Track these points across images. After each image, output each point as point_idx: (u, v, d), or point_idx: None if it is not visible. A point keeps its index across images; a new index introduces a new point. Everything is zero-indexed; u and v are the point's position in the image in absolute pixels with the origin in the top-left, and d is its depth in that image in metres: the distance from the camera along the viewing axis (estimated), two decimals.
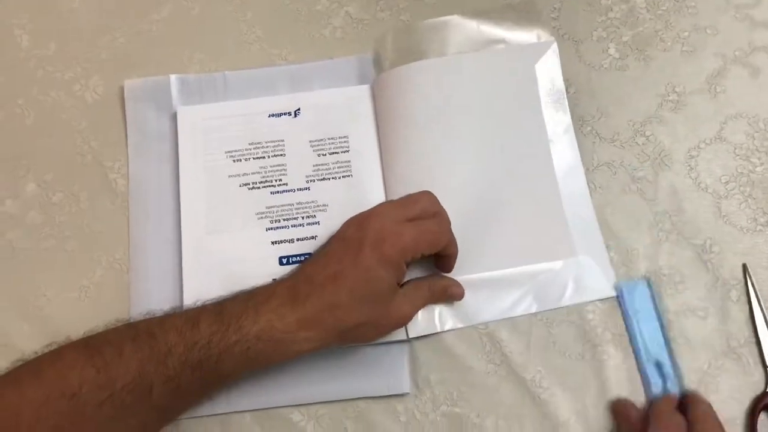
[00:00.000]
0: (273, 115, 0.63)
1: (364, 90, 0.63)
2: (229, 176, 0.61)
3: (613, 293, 0.56)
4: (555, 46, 0.62)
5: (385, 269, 0.50)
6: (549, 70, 0.62)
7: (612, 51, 0.63)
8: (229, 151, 0.62)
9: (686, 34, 0.63)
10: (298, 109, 0.63)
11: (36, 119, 0.64)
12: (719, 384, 0.54)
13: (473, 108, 0.61)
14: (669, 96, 0.61)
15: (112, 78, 0.65)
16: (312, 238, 0.59)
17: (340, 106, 0.63)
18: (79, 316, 0.57)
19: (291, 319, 0.49)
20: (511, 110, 0.61)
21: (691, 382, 0.54)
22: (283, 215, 0.60)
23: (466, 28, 0.64)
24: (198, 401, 0.54)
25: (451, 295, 0.56)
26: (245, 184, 0.61)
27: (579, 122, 0.61)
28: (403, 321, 0.54)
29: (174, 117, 0.63)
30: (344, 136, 0.62)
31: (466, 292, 0.56)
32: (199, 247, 0.59)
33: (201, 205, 0.60)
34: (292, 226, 0.60)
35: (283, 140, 0.62)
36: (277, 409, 0.55)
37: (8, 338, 0.58)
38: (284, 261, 0.58)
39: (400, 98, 0.61)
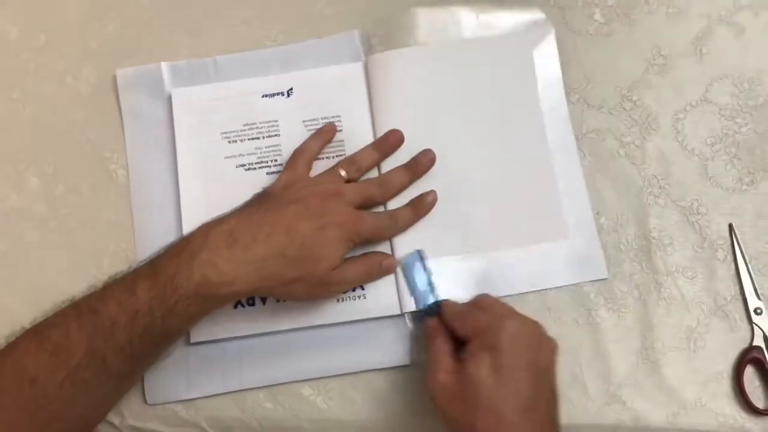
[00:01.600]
0: (266, 96, 0.64)
1: (357, 68, 0.63)
2: (225, 157, 0.62)
3: (605, 276, 0.58)
4: (553, 32, 0.62)
5: (340, 238, 0.53)
6: (546, 57, 0.62)
7: (597, 16, 0.63)
8: (224, 132, 0.63)
9: None
10: (291, 89, 0.63)
11: (32, 112, 0.65)
12: (707, 340, 0.57)
13: (470, 95, 0.62)
14: (655, 60, 0.62)
15: (104, 67, 0.65)
16: None
17: (333, 84, 0.63)
18: None
19: (227, 269, 0.50)
20: (508, 97, 0.61)
21: (681, 340, 0.57)
22: None
23: (462, 15, 0.64)
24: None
25: (385, 268, 0.57)
26: (241, 165, 0.62)
27: (567, 91, 0.62)
28: (335, 289, 0.56)
29: (168, 103, 0.64)
30: (337, 116, 0.62)
31: (459, 270, 0.58)
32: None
33: (199, 187, 0.62)
34: None
35: (277, 120, 0.63)
36: (288, 385, 0.58)
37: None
38: None
39: (396, 80, 0.62)
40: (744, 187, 0.59)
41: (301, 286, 0.53)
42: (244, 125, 0.63)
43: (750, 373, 0.56)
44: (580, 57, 0.62)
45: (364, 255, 0.57)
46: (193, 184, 0.62)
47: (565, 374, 0.56)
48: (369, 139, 0.61)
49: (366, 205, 0.58)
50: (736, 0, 0.63)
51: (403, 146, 0.60)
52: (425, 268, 0.58)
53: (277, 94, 0.63)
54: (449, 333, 0.53)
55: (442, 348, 0.52)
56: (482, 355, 0.48)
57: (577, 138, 0.61)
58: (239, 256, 0.50)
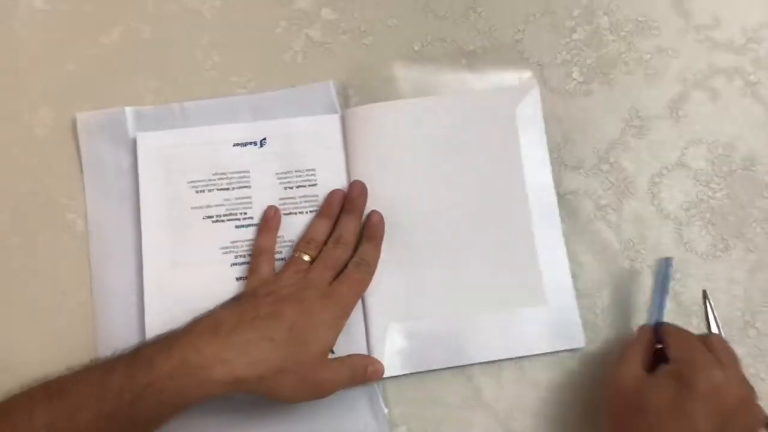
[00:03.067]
0: (238, 144, 0.61)
1: (334, 121, 0.61)
2: (192, 208, 0.60)
3: (582, 344, 0.57)
4: (537, 89, 0.61)
5: (329, 319, 0.52)
6: (530, 115, 0.61)
7: (576, 75, 0.63)
8: (191, 181, 0.60)
9: (648, 56, 0.63)
10: (264, 139, 0.61)
11: None
12: None
13: (449, 152, 0.60)
14: (633, 121, 0.62)
15: (62, 109, 0.62)
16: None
17: (308, 136, 0.61)
18: (43, 361, 0.54)
19: (208, 352, 0.47)
20: (489, 154, 0.60)
21: None
22: (248, 250, 0.59)
23: (444, 69, 0.63)
24: None
25: (370, 374, 0.54)
26: (209, 217, 0.60)
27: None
28: (322, 388, 0.52)
29: (131, 151, 0.60)
30: (312, 169, 0.60)
31: (433, 333, 0.56)
32: (162, 281, 0.58)
33: (164, 236, 0.59)
34: None
35: (248, 171, 0.60)
36: None
37: None
38: None
39: (374, 135, 0.60)
40: (718, 253, 0.59)
41: (290, 380, 0.49)
42: (213, 174, 0.60)
43: None
44: (559, 116, 0.62)
45: (348, 357, 0.55)
46: (156, 234, 0.59)
47: None
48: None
49: (338, 270, 0.56)
50: (712, 64, 0.63)
51: (381, 204, 0.59)
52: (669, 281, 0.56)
53: (250, 143, 0.61)
54: (652, 348, 0.52)
55: (639, 353, 0.51)
56: (671, 382, 0.47)
57: None
58: (223, 340, 0.48)
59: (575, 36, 0.64)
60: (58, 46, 0.63)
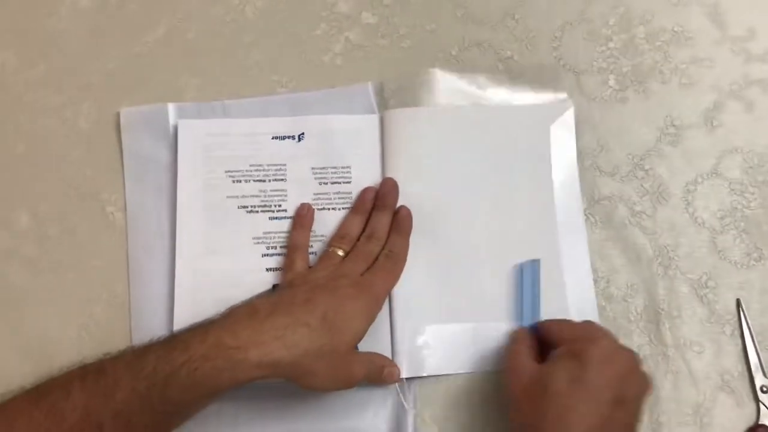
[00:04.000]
0: (276, 138, 0.62)
1: (373, 121, 0.62)
2: (227, 196, 0.60)
3: None
4: (572, 109, 0.62)
5: (361, 308, 0.52)
6: (563, 133, 0.61)
7: (612, 82, 0.63)
8: (229, 171, 0.61)
9: (684, 66, 0.64)
10: (303, 134, 0.62)
11: (26, 148, 0.62)
12: (714, 416, 0.56)
13: (482, 163, 0.61)
14: (668, 129, 0.62)
15: (105, 105, 0.63)
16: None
17: (346, 134, 0.62)
18: (78, 353, 0.56)
19: (244, 335, 0.48)
20: (520, 169, 0.61)
21: (688, 414, 0.56)
22: (280, 242, 0.59)
23: (482, 80, 0.63)
24: None
25: (386, 375, 0.54)
26: (243, 207, 0.60)
27: (580, 156, 0.61)
28: (351, 379, 0.52)
29: (172, 146, 0.61)
30: (347, 167, 0.61)
31: (453, 338, 0.57)
32: (194, 268, 0.59)
33: (198, 222, 0.60)
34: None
35: (285, 164, 0.61)
36: None
37: (8, 378, 0.56)
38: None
39: (410, 139, 0.61)
40: (752, 262, 0.59)
41: (323, 367, 0.49)
42: (250, 165, 0.61)
43: None
44: (594, 122, 0.62)
45: (369, 353, 0.55)
46: (190, 220, 0.60)
47: None
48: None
49: (370, 263, 0.57)
50: (746, 75, 0.63)
51: (412, 205, 0.59)
52: (539, 282, 0.57)
53: (288, 137, 0.62)
54: (536, 342, 0.52)
55: (524, 350, 0.51)
56: (565, 362, 0.48)
57: (589, 204, 0.60)
58: (260, 325, 0.48)
59: (611, 44, 0.64)
60: (102, 43, 0.64)
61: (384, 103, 0.63)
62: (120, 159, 0.62)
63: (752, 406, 0.56)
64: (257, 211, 0.60)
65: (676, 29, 0.65)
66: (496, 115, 0.62)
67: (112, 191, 0.61)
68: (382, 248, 0.57)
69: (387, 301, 0.57)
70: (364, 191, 0.60)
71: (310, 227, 0.60)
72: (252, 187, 0.61)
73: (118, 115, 0.62)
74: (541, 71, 0.64)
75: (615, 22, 0.65)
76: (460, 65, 0.64)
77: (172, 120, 0.62)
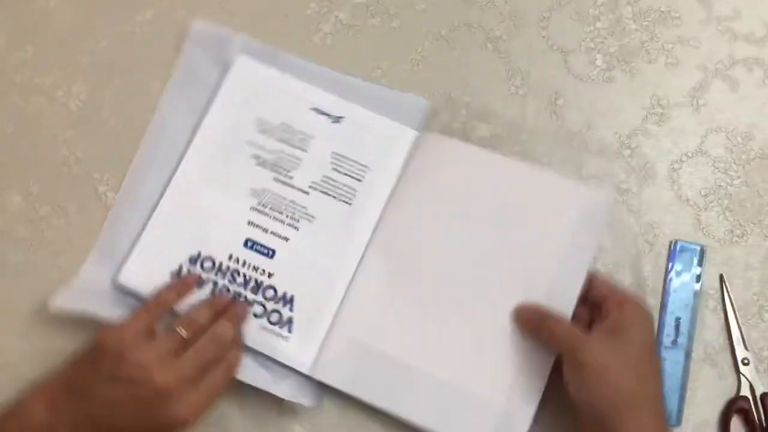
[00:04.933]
0: (315, 110, 0.62)
1: (409, 135, 0.62)
2: (246, 142, 0.61)
3: None
4: (611, 203, 0.59)
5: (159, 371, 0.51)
6: (590, 226, 0.58)
7: (599, 62, 0.64)
8: (260, 118, 0.62)
9: (670, 46, 0.64)
10: (342, 117, 0.62)
11: (17, 128, 0.62)
12: (697, 388, 0.58)
13: (497, 218, 0.59)
14: (654, 109, 0.63)
15: (95, 84, 0.63)
16: (284, 239, 0.60)
17: (378, 136, 0.62)
18: (72, 332, 0.57)
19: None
20: (533, 240, 0.58)
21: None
22: (272, 203, 0.60)
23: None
24: None
25: (226, 369, 0.54)
26: (256, 157, 0.61)
27: (568, 135, 0.62)
28: (183, 422, 0.51)
29: (223, 72, 0.62)
30: (365, 166, 0.61)
31: (392, 370, 0.56)
32: (184, 191, 0.60)
33: (209, 153, 0.61)
34: (274, 218, 0.60)
35: (312, 137, 0.62)
36: None
37: (6, 357, 0.57)
38: (248, 244, 0.59)
39: (435, 170, 0.60)
40: (735, 239, 0.61)
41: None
42: (281, 123, 0.62)
43: (736, 424, 0.57)
44: (581, 102, 0.63)
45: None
46: (204, 147, 0.61)
47: None
48: (380, 205, 0.60)
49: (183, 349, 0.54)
50: (731, 54, 0.64)
51: (401, 239, 0.59)
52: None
53: (326, 114, 0.62)
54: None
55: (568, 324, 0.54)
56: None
57: None
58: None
59: (599, 24, 0.65)
60: (92, 23, 0.64)
61: (429, 123, 0.62)
62: (114, 141, 0.62)
63: (734, 378, 0.58)
64: (266, 168, 0.61)
65: (663, 9, 0.65)
66: (529, 176, 0.60)
67: (104, 171, 0.61)
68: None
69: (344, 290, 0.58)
70: (232, 303, 0.58)
71: (182, 298, 0.57)
72: (272, 144, 0.61)
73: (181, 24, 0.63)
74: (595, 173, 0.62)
75: (603, 2, 0.65)
76: (449, 44, 0.64)
77: (235, 50, 0.63)
